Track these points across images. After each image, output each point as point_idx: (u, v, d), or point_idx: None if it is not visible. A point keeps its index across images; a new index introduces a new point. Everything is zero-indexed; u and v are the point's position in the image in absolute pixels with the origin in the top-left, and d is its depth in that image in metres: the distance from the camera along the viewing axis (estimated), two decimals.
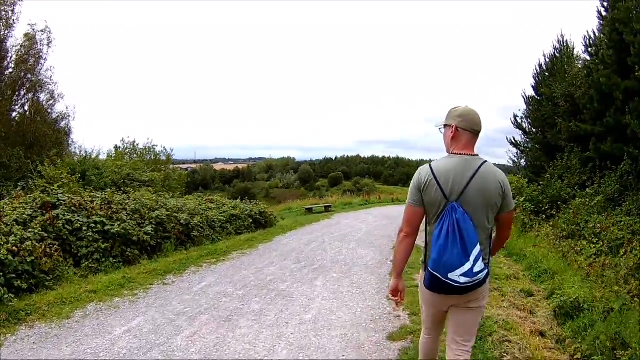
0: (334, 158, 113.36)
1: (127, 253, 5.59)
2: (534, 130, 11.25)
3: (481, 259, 1.65)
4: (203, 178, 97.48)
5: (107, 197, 6.31)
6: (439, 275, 1.65)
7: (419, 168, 1.81)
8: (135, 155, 18.55)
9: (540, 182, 8.40)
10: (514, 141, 11.88)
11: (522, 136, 11.85)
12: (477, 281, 1.66)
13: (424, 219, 1.82)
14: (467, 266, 1.61)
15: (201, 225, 7.26)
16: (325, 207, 17.21)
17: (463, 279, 1.62)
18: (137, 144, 19.59)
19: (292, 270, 5.33)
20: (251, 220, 9.08)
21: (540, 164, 9.80)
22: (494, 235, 1.86)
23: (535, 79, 11.91)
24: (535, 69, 11.87)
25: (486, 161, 1.74)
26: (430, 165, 1.76)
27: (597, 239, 4.89)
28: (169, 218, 6.69)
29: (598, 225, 5.09)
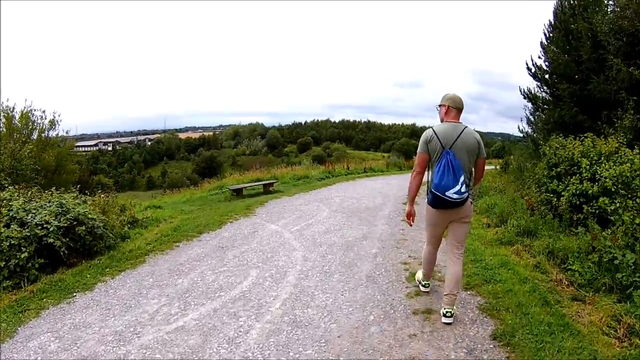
0: (303, 123, 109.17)
1: None
2: (557, 80, 8.90)
3: (464, 184, 2.77)
4: (168, 148, 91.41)
5: None
6: (439, 194, 2.77)
7: (425, 131, 2.98)
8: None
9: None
10: (529, 94, 9.51)
11: (540, 88, 9.50)
12: (463, 198, 2.78)
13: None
14: (457, 187, 2.74)
15: None
16: (264, 185, 11.40)
17: (455, 196, 2.75)
18: (14, 111, 13.58)
19: None
20: (33, 248, 3.91)
21: (577, 123, 7.53)
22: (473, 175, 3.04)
23: (555, 16, 9.42)
24: (558, 2, 9.34)
25: (467, 126, 2.89)
26: (432, 129, 2.90)
27: None
28: None
29: None
